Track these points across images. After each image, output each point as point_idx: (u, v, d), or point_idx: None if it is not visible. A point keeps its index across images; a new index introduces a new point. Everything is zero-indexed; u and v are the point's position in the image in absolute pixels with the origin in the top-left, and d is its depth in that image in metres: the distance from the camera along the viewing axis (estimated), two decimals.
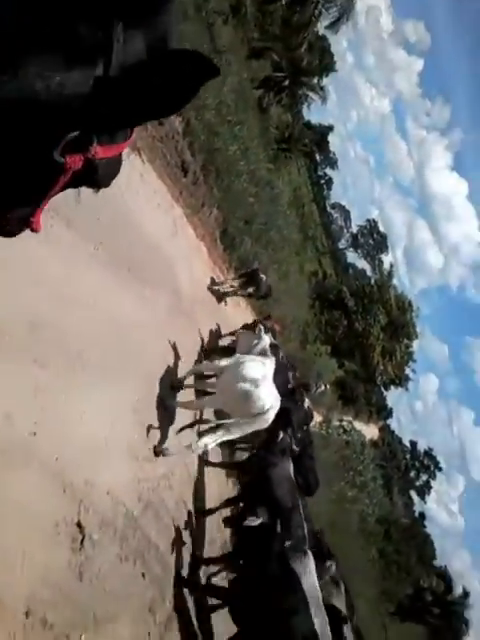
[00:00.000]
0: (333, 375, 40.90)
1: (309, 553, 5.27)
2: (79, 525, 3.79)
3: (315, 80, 34.33)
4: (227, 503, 6.99)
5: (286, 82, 30.14)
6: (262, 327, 7.77)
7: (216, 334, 10.22)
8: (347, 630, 5.64)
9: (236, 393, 5.99)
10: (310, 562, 5.17)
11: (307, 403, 9.52)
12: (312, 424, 12.52)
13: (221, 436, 6.08)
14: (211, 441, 6.04)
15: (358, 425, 42.23)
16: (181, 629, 5.16)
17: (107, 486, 4.31)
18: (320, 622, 4.75)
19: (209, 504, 7.01)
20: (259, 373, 6.15)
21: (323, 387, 12.64)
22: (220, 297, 12.12)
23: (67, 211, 4.94)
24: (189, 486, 6.58)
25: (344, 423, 30.97)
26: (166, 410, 6.22)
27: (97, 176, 1.10)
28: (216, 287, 11.85)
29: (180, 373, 7.08)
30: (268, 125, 29.34)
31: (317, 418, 23.06)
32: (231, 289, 12.36)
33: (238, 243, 14.96)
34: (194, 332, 8.87)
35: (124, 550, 4.32)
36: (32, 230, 1.19)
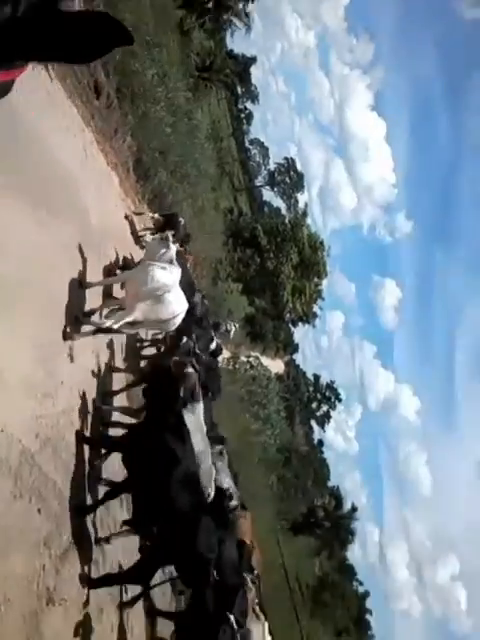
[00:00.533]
0: (243, 312, 41.65)
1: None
2: None
3: (240, 5, 32.88)
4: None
5: (210, 4, 28.68)
6: (170, 235, 7.49)
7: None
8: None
9: (146, 296, 6.34)
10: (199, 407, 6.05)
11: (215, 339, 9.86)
12: (220, 359, 13.15)
13: (124, 318, 6.45)
14: (117, 321, 6.42)
15: (265, 360, 43.68)
16: (80, 559, 5.27)
17: (1, 423, 4.19)
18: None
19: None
20: (168, 279, 6.46)
21: (233, 327, 12.82)
22: (136, 237, 11.72)
23: None
24: (91, 423, 6.54)
25: (251, 359, 31.89)
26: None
27: None
28: (132, 223, 11.41)
29: (85, 305, 6.89)
30: (189, 51, 27.98)
31: (225, 354, 23.59)
32: (147, 231, 11.85)
33: (152, 174, 14.46)
34: (102, 263, 8.58)
35: (18, 487, 4.27)
36: None
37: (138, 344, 10.35)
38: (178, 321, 6.82)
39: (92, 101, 10.29)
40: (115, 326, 6.49)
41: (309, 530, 38.73)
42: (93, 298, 7.21)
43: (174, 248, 7.33)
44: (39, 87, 7.12)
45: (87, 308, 6.87)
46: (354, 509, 43.30)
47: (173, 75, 17.89)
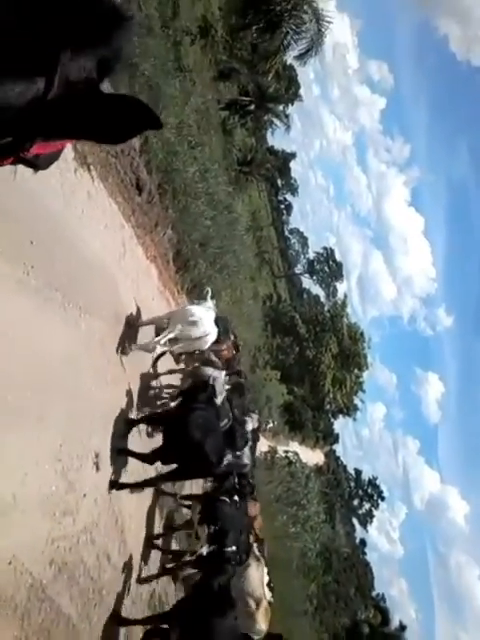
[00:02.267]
0: (282, 400, 40.73)
1: None
2: None
3: (281, 107, 34.60)
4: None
5: (252, 106, 30.23)
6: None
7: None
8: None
9: (185, 319, 8.08)
10: None
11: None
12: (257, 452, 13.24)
13: (167, 336, 7.95)
14: (162, 338, 7.93)
15: (304, 451, 42.10)
16: None
17: (9, 554, 3.71)
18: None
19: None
20: (202, 311, 8.37)
21: (272, 423, 12.93)
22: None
23: None
24: (116, 536, 5.98)
25: (290, 454, 30.61)
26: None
27: (33, 164, 1.14)
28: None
29: (118, 408, 6.53)
30: (231, 147, 29.24)
31: (263, 447, 22.70)
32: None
33: (192, 266, 14.52)
34: (137, 359, 8.30)
35: (25, 630, 3.72)
36: None
37: None
38: (209, 340, 8.53)
39: (134, 197, 10.45)
40: (159, 340, 7.96)
41: None
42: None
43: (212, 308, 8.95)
44: (81, 188, 7.18)
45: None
46: (403, 628, 39.55)
47: (214, 171, 18.46)
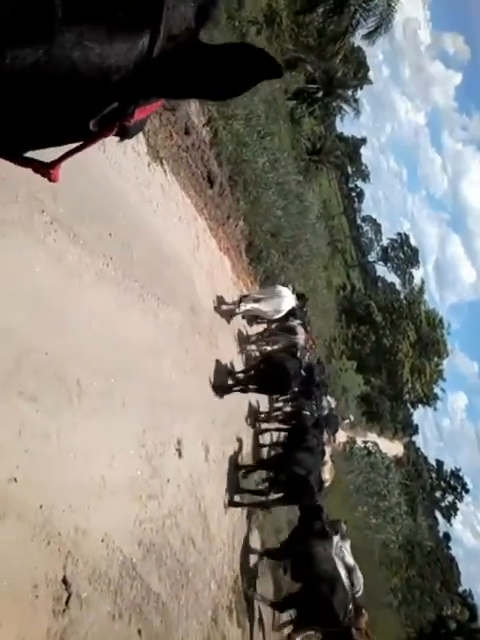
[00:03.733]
0: (359, 390, 40.07)
1: None
2: (65, 582, 3.35)
3: (349, 92, 33.85)
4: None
5: (319, 94, 29.74)
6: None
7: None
8: None
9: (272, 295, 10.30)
10: None
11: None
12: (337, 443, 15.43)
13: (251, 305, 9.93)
14: (247, 306, 9.85)
15: (383, 442, 41.23)
16: None
17: (102, 532, 3.87)
18: None
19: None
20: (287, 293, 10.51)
21: (350, 418, 14.45)
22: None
23: (74, 225, 4.56)
24: (200, 522, 6.10)
25: (368, 445, 30.05)
26: None
27: (126, 134, 1.02)
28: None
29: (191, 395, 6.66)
30: (299, 137, 28.91)
31: (341, 438, 22.42)
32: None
33: (264, 256, 14.53)
34: (211, 350, 8.42)
35: (118, 605, 3.87)
36: (50, 180, 1.10)
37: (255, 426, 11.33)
38: (284, 309, 10.45)
39: (205, 190, 10.56)
40: (247, 306, 9.88)
41: None
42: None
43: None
44: (154, 182, 7.33)
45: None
46: None
47: (284, 160, 18.33)
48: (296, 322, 11.83)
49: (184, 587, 5.19)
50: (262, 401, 11.85)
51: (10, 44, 0.75)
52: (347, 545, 8.56)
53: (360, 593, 8.47)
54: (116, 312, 5.11)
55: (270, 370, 8.77)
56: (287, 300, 10.40)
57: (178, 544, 5.29)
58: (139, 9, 0.82)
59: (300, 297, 12.98)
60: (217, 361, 8.45)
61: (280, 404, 13.09)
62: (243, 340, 11.22)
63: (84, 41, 0.79)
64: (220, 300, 9.50)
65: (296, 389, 10.82)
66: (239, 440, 8.95)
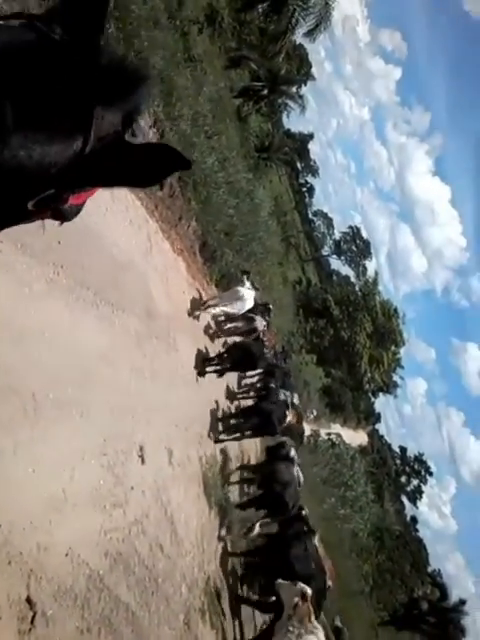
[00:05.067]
0: (320, 383, 40.56)
1: None
2: (28, 601, 3.27)
3: (294, 89, 34.13)
4: None
5: (265, 91, 29.88)
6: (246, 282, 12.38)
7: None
8: None
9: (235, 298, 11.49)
10: None
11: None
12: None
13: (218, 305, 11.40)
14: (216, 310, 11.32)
15: (346, 432, 41.87)
16: None
17: (65, 547, 3.79)
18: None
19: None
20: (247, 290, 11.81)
21: (313, 414, 15.21)
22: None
23: (21, 235, 4.45)
24: (167, 527, 6.06)
25: (332, 436, 30.44)
26: None
27: (64, 216, 1.23)
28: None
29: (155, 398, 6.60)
30: (247, 134, 29.00)
31: (306, 431, 22.65)
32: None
33: (219, 256, 14.52)
34: (170, 354, 8.37)
35: (86, 620, 3.80)
36: None
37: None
38: (245, 307, 11.81)
39: (155, 193, 10.48)
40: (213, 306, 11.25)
41: (413, 626, 35.01)
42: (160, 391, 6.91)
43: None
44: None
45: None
46: (462, 602, 38.79)
47: (233, 159, 18.35)
48: (255, 315, 13.27)
49: (154, 594, 5.14)
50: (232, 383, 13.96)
51: None
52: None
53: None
54: (70, 321, 5.01)
55: (239, 352, 11.29)
56: (249, 300, 11.78)
57: (146, 551, 5.24)
58: (73, 120, 1.01)
59: (265, 307, 14.93)
60: (198, 350, 10.55)
61: (248, 380, 15.87)
62: (207, 336, 12.21)
63: (28, 143, 0.98)
64: (192, 307, 11.01)
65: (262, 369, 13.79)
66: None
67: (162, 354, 7.57)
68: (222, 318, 12.42)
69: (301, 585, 6.74)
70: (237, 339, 13.44)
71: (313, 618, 6.50)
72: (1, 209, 1.11)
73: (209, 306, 11.26)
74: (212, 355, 11.26)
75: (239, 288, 12.00)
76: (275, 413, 11.16)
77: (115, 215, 7.60)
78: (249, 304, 11.84)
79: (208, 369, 10.62)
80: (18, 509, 3.39)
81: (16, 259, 4.44)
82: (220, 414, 11.40)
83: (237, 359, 11.12)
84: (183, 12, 17.40)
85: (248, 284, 12.26)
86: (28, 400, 3.94)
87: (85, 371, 4.97)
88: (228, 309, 11.59)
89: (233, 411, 12.41)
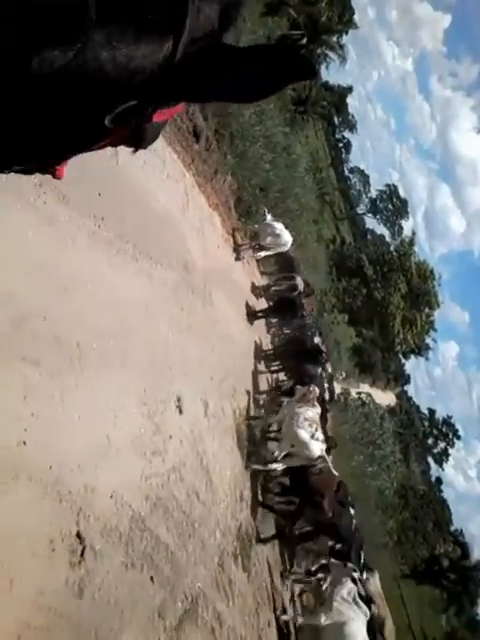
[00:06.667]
0: (351, 343, 40.49)
1: None
2: (78, 536, 3.47)
3: (334, 38, 32.86)
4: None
5: (304, 40, 28.88)
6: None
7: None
8: None
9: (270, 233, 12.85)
10: None
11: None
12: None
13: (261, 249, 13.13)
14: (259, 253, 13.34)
15: (375, 393, 41.96)
16: (195, 630, 4.91)
17: (110, 489, 3.98)
18: None
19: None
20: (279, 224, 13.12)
21: (343, 374, 16.15)
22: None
23: (63, 187, 4.49)
24: (203, 475, 6.27)
25: (362, 395, 30.58)
26: None
27: (141, 140, 1.06)
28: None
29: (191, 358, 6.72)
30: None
31: (336, 389, 22.82)
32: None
33: (254, 211, 14.39)
34: (205, 308, 8.44)
35: (130, 556, 4.01)
36: (54, 177, 1.15)
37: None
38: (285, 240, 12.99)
39: (192, 145, 10.37)
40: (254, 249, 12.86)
41: (433, 581, 35.76)
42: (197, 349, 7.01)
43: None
44: None
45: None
46: None
47: (270, 112, 17.94)
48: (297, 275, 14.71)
49: (191, 537, 5.37)
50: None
51: (39, 48, 0.76)
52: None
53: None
54: (111, 273, 5.10)
55: (282, 301, 13.79)
56: (284, 232, 12.87)
57: (183, 497, 5.44)
58: (166, 13, 0.84)
59: (307, 286, 15.66)
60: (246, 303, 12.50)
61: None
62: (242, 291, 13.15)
63: (113, 42, 0.81)
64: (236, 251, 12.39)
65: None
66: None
67: (198, 308, 7.65)
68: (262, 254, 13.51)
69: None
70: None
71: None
72: (75, 125, 0.94)
73: (251, 249, 12.76)
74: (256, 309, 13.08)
75: (269, 222, 12.83)
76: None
77: (153, 167, 7.57)
78: (286, 234, 12.88)
79: (259, 314, 13.00)
80: (66, 452, 3.55)
81: (58, 210, 4.50)
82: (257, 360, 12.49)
83: (280, 307, 13.59)
84: None
85: (270, 216, 13.12)
86: (73, 349, 4.07)
87: (126, 323, 5.08)
88: (271, 252, 13.09)
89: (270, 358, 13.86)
